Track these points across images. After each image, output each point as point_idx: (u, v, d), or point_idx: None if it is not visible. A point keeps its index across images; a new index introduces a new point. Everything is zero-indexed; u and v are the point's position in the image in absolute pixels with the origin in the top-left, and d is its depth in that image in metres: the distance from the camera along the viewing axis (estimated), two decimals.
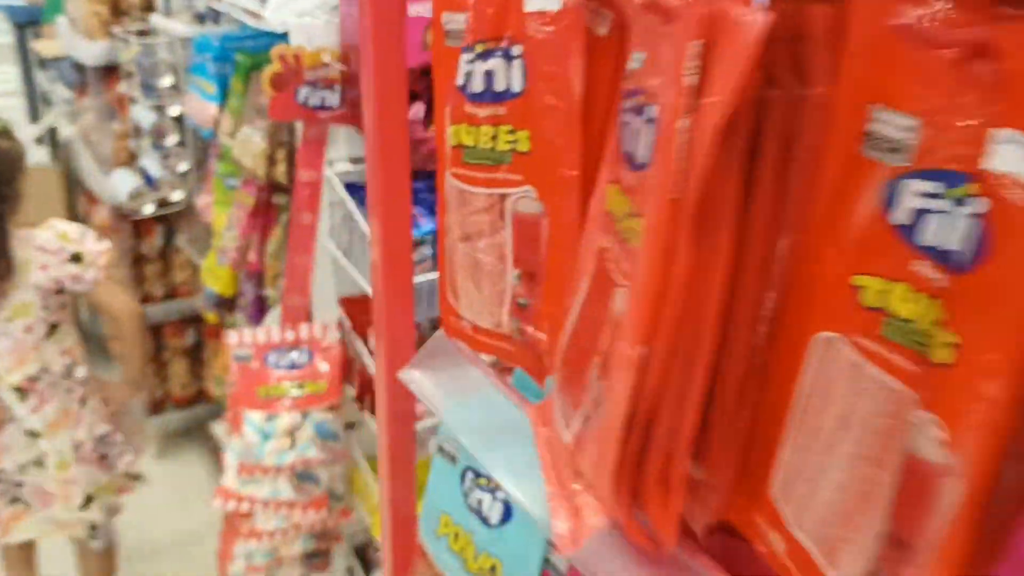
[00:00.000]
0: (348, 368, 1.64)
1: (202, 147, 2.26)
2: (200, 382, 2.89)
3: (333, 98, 1.48)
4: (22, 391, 1.68)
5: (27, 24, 4.48)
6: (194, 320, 2.80)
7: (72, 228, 1.69)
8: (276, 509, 1.63)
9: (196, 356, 2.86)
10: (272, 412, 1.58)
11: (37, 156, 4.34)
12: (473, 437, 0.70)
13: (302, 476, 1.66)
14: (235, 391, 1.61)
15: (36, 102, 4.59)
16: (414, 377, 0.77)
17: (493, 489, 0.77)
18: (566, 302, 0.57)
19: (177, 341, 2.79)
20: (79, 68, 2.76)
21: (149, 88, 2.22)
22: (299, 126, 1.55)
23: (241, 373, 1.59)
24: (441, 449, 0.83)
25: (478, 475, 0.79)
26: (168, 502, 2.63)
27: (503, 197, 0.63)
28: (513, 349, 0.67)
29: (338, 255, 1.56)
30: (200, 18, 2.12)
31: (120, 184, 2.29)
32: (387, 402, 0.88)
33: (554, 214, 0.60)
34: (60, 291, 1.68)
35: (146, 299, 2.68)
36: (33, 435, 1.72)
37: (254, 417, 1.58)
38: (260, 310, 2.09)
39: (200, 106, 1.99)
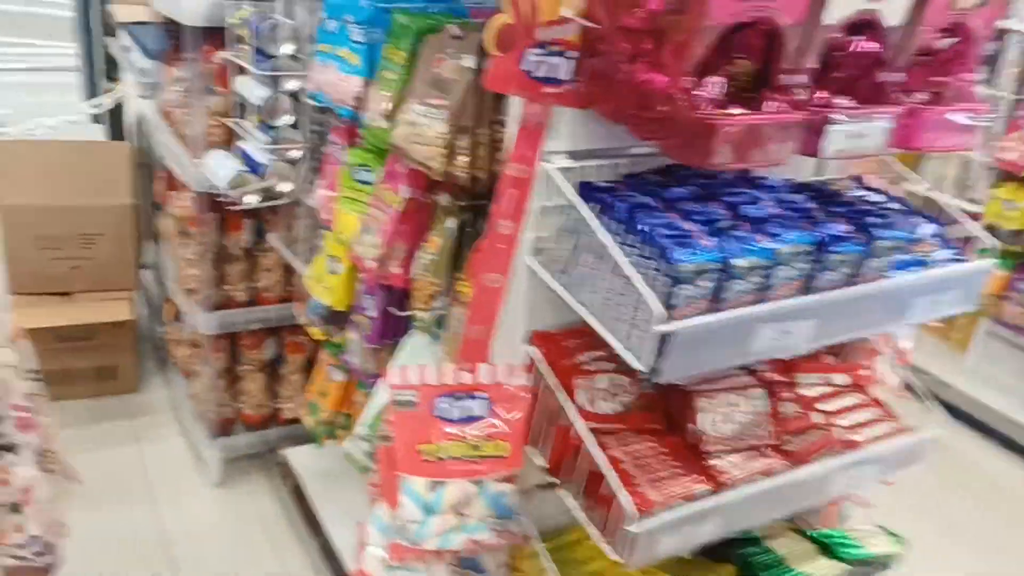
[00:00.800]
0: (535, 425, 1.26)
1: (317, 131, 1.89)
2: (275, 401, 2.51)
3: (564, 68, 1.10)
4: None
5: None
6: (275, 331, 2.43)
7: None
8: None
9: (274, 372, 2.49)
10: (439, 479, 1.20)
11: (94, 133, 4.01)
12: None
13: (466, 564, 1.28)
14: (391, 447, 1.22)
15: (94, 77, 4.25)
16: None
17: None
18: None
19: (255, 354, 2.42)
20: (169, 32, 2.40)
21: (262, 56, 1.85)
22: (514, 105, 1.17)
23: (401, 424, 1.21)
24: None
25: None
26: (231, 537, 2.26)
27: None
28: None
29: (544, 276, 1.18)
30: None
31: (218, 168, 1.92)
32: None
33: None
34: None
35: (225, 303, 2.31)
36: None
37: (416, 485, 1.19)
38: (384, 332, 1.71)
39: (336, 80, 1.62)
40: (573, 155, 1.17)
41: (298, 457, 2.40)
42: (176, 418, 2.73)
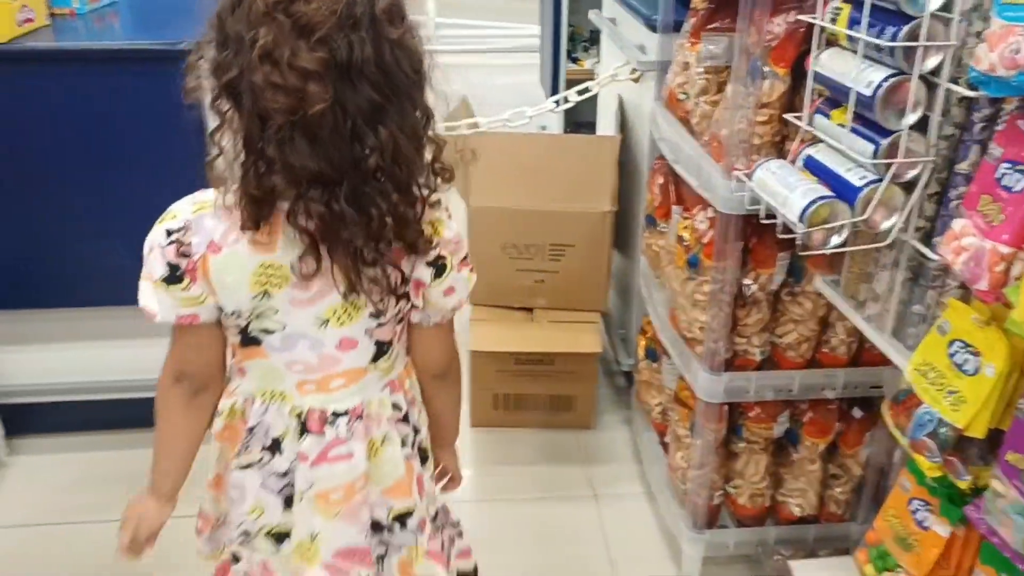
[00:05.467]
0: None
1: (953, 137, 1.16)
2: (778, 492, 1.87)
3: None
4: None
5: None
6: (790, 402, 1.78)
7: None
8: None
9: (781, 454, 1.85)
10: None
11: (549, 120, 3.70)
12: None
13: None
14: None
15: (559, 58, 3.96)
16: None
17: None
18: None
19: (761, 429, 1.78)
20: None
21: (882, 18, 1.17)
22: None
23: None
24: None
25: None
26: None
27: None
28: None
29: None
30: None
31: (784, 191, 1.29)
32: None
33: None
34: None
35: (733, 361, 1.71)
36: None
37: None
38: None
39: None
40: None
41: (807, 573, 1.75)
42: (639, 474, 2.22)
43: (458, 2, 7.07)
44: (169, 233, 1.01)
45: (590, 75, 4.02)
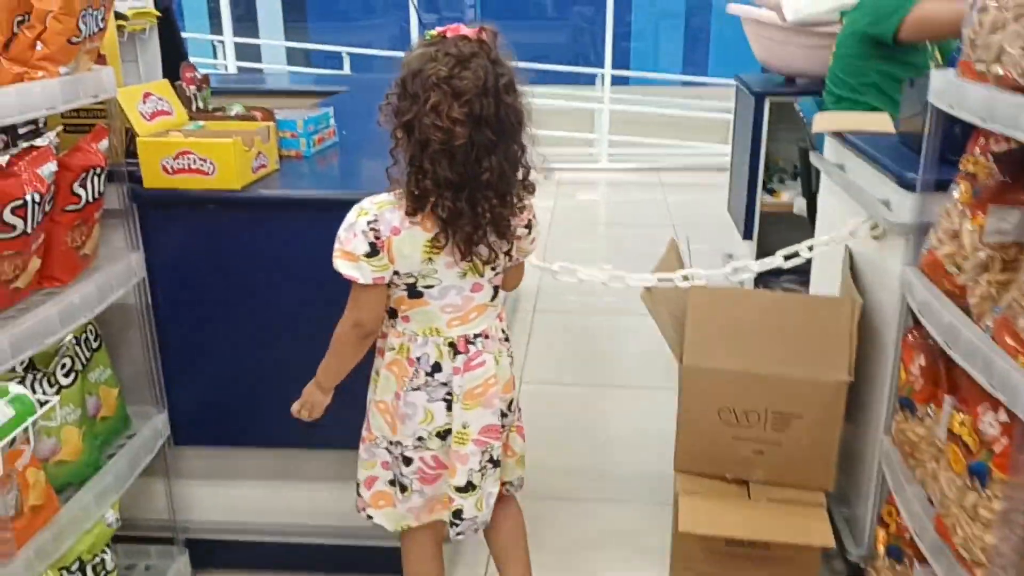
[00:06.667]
0: None
1: None
2: None
3: None
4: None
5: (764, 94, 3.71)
6: None
7: None
8: None
9: None
10: None
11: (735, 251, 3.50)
12: None
13: None
14: None
15: (754, 189, 3.79)
16: None
17: None
18: None
19: None
20: (954, 141, 1.64)
21: None
22: None
23: None
24: None
25: None
26: None
27: None
28: None
29: None
30: None
31: None
32: None
33: None
34: None
35: None
36: None
37: None
38: None
39: None
40: None
41: None
42: None
43: (633, 118, 7.09)
44: (368, 223, 1.51)
45: (787, 209, 3.83)
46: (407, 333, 1.62)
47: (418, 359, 1.61)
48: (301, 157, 2.21)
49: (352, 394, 1.76)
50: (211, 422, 2.12)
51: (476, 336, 1.62)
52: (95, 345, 1.92)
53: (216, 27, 7.32)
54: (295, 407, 1.74)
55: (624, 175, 6.86)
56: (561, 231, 5.18)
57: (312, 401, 1.73)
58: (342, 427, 1.82)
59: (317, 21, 12.26)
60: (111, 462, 1.81)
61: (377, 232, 1.51)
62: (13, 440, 1.25)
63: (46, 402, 1.34)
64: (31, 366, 1.75)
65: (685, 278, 2.14)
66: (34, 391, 1.70)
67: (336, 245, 1.53)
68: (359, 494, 1.79)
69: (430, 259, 1.53)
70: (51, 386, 1.73)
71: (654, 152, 7.03)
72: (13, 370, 1.69)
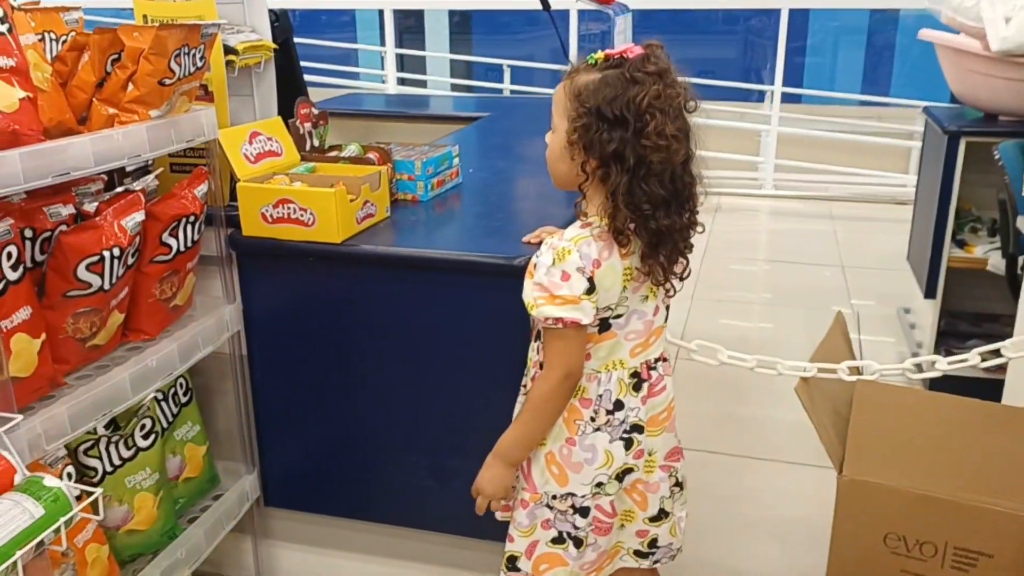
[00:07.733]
0: None
1: None
2: None
3: None
4: None
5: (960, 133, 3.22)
6: None
7: None
8: None
9: None
10: None
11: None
12: None
13: None
14: None
15: (941, 242, 3.30)
16: None
17: None
18: None
19: None
20: None
21: None
22: None
23: None
24: None
25: None
26: None
27: None
28: None
29: None
30: None
31: None
32: None
33: None
34: None
35: None
36: None
37: None
38: None
39: None
40: None
41: None
42: None
43: (803, 140, 6.55)
44: (578, 260, 1.40)
45: (980, 266, 3.31)
46: (586, 372, 1.50)
47: (599, 397, 1.51)
48: (417, 201, 2.02)
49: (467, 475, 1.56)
50: (305, 486, 1.97)
51: (656, 361, 1.56)
52: (184, 399, 1.81)
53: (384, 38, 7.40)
54: (479, 503, 1.56)
55: (790, 203, 6.34)
56: (715, 262, 4.78)
57: (504, 485, 1.54)
58: (456, 508, 1.64)
59: (482, 34, 12.29)
60: (184, 534, 1.68)
61: (584, 269, 1.41)
62: (41, 543, 1.11)
63: (91, 492, 1.19)
64: (113, 424, 1.65)
65: (853, 371, 1.78)
66: (108, 456, 1.59)
67: (537, 293, 1.40)
68: (513, 569, 1.59)
69: (625, 286, 1.46)
70: (128, 448, 1.62)
71: (825, 179, 6.46)
72: (94, 430, 1.59)
